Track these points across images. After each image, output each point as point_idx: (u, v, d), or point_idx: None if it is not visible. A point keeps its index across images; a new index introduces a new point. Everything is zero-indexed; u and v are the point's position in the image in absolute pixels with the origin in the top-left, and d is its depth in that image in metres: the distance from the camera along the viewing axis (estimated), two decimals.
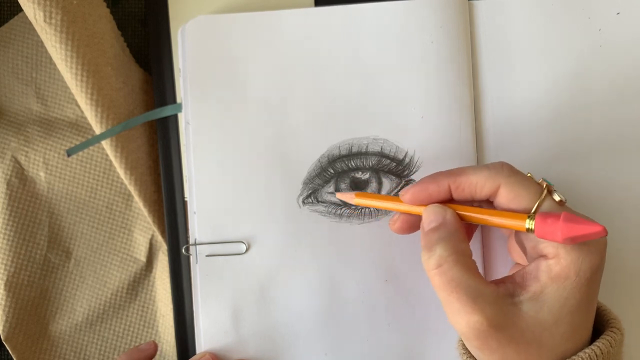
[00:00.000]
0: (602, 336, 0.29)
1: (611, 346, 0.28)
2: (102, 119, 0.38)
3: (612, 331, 0.29)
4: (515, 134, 0.38)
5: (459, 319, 0.27)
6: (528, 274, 0.29)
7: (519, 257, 0.33)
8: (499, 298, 0.28)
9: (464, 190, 0.30)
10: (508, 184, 0.29)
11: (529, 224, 0.28)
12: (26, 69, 0.42)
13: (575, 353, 0.28)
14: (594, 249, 0.28)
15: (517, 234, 0.31)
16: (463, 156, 0.37)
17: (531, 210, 0.29)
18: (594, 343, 0.28)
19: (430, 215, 0.31)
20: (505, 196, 0.29)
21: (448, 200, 0.31)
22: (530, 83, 0.38)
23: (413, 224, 0.33)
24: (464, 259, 0.28)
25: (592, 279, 0.28)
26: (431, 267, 0.28)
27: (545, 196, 0.29)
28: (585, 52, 0.38)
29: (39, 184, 0.42)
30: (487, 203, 0.32)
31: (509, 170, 0.30)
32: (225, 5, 0.40)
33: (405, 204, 0.32)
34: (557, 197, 0.29)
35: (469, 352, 0.31)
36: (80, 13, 0.36)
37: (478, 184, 0.30)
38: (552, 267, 0.28)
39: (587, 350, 0.28)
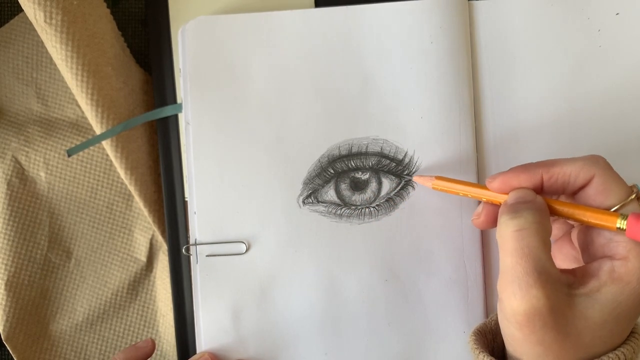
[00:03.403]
0: (626, 342, 0.29)
1: (634, 352, 0.28)
2: (102, 119, 0.38)
3: (635, 337, 0.29)
4: (514, 133, 0.38)
5: (516, 288, 0.27)
6: (589, 271, 0.29)
7: (565, 260, 0.33)
8: (560, 283, 0.27)
9: (557, 180, 0.30)
10: (602, 176, 0.29)
11: (620, 223, 0.28)
12: (27, 69, 0.42)
13: (603, 354, 0.28)
14: None
15: (584, 230, 0.31)
16: (463, 156, 0.37)
17: (612, 208, 0.28)
18: (619, 348, 0.28)
19: (519, 193, 0.30)
20: (596, 187, 0.29)
21: (536, 192, 0.31)
22: (530, 83, 0.38)
23: (497, 217, 0.31)
24: (545, 234, 0.28)
25: None
26: (511, 228, 0.28)
27: (633, 199, 0.28)
28: (585, 53, 0.38)
29: (39, 184, 0.42)
30: (568, 198, 0.31)
31: (604, 163, 0.29)
32: (225, 6, 0.40)
33: (490, 191, 0.31)
34: None
35: (481, 347, 0.30)
36: (81, 13, 0.36)
37: (572, 174, 0.29)
38: (617, 268, 0.28)
39: (610, 354, 0.28)
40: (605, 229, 0.29)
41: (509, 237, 0.28)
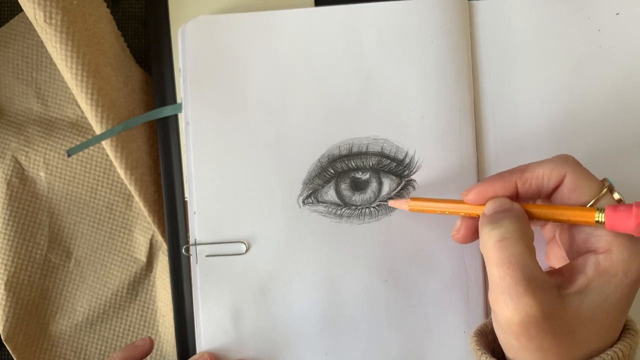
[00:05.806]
0: (622, 338, 0.29)
1: (630, 348, 0.28)
2: (102, 119, 0.38)
3: (630, 333, 0.29)
4: (515, 133, 0.38)
5: (507, 299, 0.27)
6: (575, 268, 0.29)
7: (557, 260, 0.34)
8: (550, 286, 0.28)
9: (531, 185, 0.30)
10: (574, 174, 0.29)
11: (598, 216, 0.28)
12: (26, 69, 0.42)
13: (601, 352, 0.28)
14: None
15: (566, 229, 0.31)
16: (463, 156, 0.37)
17: (588, 204, 0.29)
18: (615, 345, 0.28)
19: (496, 202, 0.30)
20: (568, 186, 0.29)
21: (512, 199, 0.31)
22: (530, 83, 0.38)
23: (477, 229, 0.31)
24: (527, 240, 0.28)
25: (637, 281, 0.28)
26: (494, 239, 0.28)
27: (605, 192, 0.29)
28: (585, 53, 0.38)
29: (39, 184, 0.42)
30: (544, 201, 0.32)
31: (574, 162, 0.30)
32: (225, 5, 0.40)
33: (466, 204, 0.32)
34: (616, 196, 0.29)
35: (483, 349, 0.31)
36: (81, 13, 0.36)
37: (545, 176, 0.30)
38: (601, 261, 0.28)
39: (609, 352, 0.28)
40: (585, 224, 0.29)
41: (493, 248, 0.28)
